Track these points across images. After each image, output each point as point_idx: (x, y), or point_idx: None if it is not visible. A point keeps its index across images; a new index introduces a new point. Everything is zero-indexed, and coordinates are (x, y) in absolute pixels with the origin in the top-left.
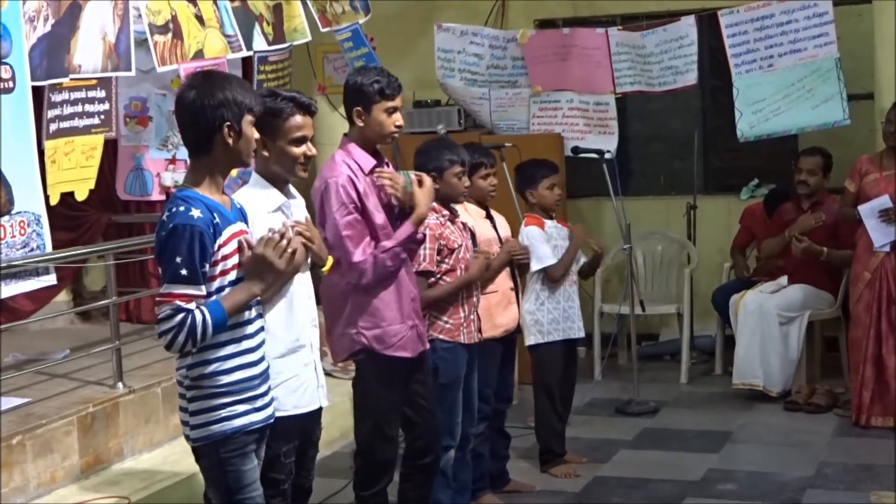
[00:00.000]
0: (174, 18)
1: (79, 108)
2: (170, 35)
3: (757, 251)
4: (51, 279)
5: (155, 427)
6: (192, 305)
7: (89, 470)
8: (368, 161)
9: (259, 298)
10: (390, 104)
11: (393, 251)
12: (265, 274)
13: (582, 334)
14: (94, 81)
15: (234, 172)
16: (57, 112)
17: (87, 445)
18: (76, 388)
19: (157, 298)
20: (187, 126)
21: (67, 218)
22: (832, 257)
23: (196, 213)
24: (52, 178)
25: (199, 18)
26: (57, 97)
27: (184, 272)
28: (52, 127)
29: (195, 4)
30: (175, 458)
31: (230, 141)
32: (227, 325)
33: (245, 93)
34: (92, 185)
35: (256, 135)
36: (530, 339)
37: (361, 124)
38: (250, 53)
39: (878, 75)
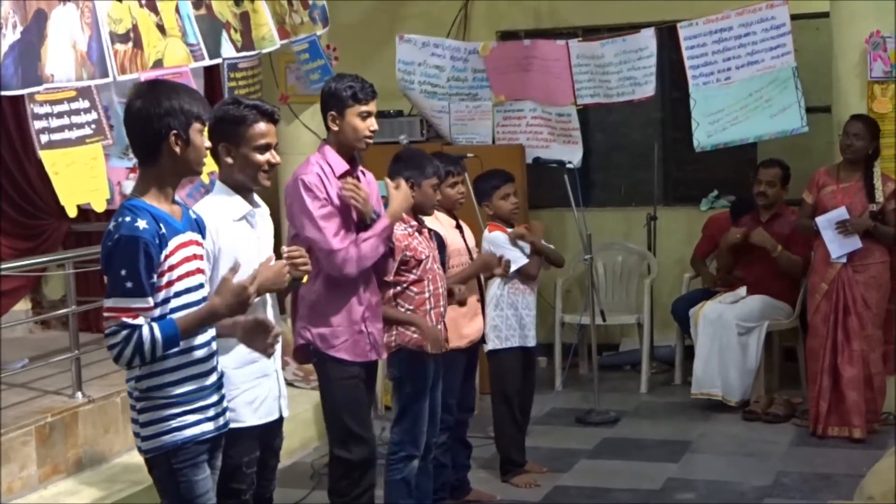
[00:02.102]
0: (135, 28)
1: (66, 121)
2: (130, 44)
3: (717, 262)
4: None
5: (114, 437)
6: (139, 321)
7: (47, 480)
8: (341, 165)
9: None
10: (364, 108)
11: (371, 241)
12: (232, 301)
13: (534, 343)
14: (73, 93)
15: (205, 177)
16: (44, 124)
17: (46, 455)
18: (35, 398)
19: (105, 313)
20: (135, 135)
21: (27, 227)
22: (782, 258)
23: (142, 223)
24: (63, 190)
25: (161, 28)
26: (39, 109)
27: (129, 285)
28: (44, 138)
29: (157, 13)
30: (134, 467)
31: (177, 149)
32: (180, 344)
33: (193, 101)
34: (107, 194)
35: (207, 143)
36: (488, 345)
37: (336, 129)
38: (213, 62)
39: (835, 88)
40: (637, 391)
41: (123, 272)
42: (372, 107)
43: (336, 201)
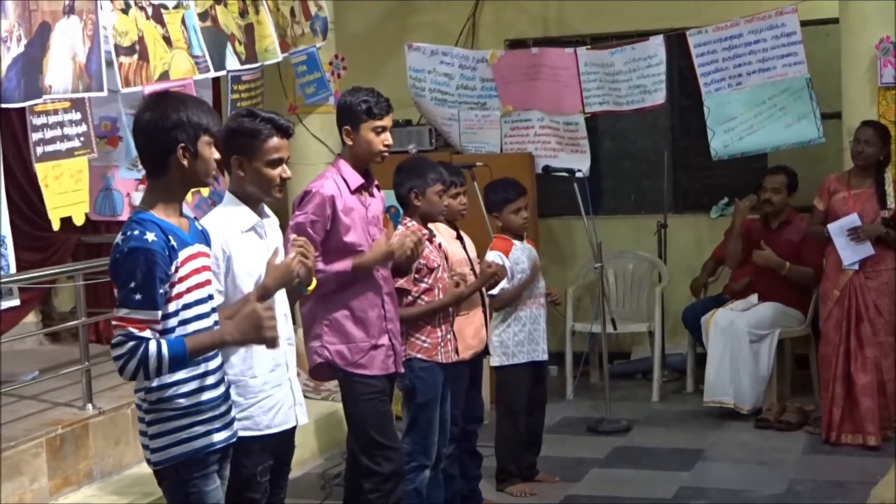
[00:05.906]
0: (140, 40)
1: (58, 132)
2: (135, 56)
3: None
4: (14, 301)
5: (125, 448)
6: (146, 333)
7: (58, 492)
8: (356, 179)
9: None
10: (378, 123)
11: (327, 274)
12: (248, 331)
13: (546, 357)
14: (67, 104)
15: (205, 192)
16: (40, 135)
17: (57, 467)
18: (45, 410)
19: (113, 322)
20: (143, 148)
21: (36, 238)
22: (793, 273)
23: (150, 236)
24: (50, 202)
25: (167, 40)
26: (37, 120)
27: (137, 297)
28: (39, 150)
29: (163, 26)
30: (145, 479)
31: (185, 162)
32: (188, 364)
33: (202, 114)
34: (86, 208)
35: (216, 155)
36: (494, 361)
37: (350, 143)
38: (218, 74)
39: (845, 94)
40: (648, 399)
41: (132, 284)
42: (387, 121)
43: (344, 217)
